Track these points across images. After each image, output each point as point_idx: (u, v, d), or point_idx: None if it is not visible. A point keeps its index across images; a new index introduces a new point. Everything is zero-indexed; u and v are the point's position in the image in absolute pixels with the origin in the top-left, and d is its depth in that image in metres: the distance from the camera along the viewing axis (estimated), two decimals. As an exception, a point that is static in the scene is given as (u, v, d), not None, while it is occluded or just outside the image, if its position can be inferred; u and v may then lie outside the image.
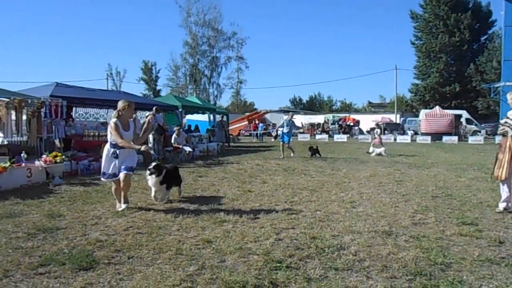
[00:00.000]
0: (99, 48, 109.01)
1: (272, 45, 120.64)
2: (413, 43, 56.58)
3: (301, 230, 5.13)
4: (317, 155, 16.38)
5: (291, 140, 16.54)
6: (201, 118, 26.64)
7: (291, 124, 16.12)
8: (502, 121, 6.36)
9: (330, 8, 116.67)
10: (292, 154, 16.32)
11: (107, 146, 6.29)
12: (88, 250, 4.30)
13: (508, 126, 6.11)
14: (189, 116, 26.40)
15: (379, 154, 16.88)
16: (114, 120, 6.15)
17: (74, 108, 15.37)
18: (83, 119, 16.78)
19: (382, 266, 3.89)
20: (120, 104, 6.30)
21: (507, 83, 40.31)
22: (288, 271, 3.70)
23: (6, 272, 3.70)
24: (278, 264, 3.87)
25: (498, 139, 28.44)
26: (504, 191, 6.30)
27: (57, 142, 11.73)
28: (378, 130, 22.14)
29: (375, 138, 19.76)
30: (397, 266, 3.88)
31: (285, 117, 17.76)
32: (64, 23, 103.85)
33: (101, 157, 11.22)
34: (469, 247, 4.48)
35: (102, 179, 6.47)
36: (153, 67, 71.45)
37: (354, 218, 5.79)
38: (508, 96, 6.30)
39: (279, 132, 16.78)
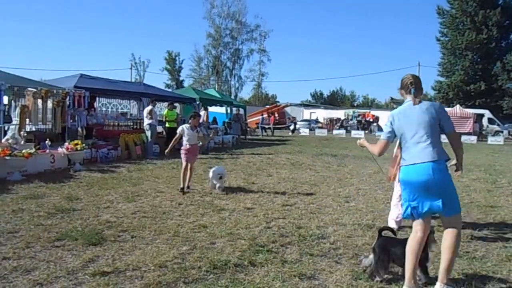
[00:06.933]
0: (123, 38, 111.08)
1: (295, 37, 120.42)
2: (438, 40, 55.58)
3: (290, 220, 5.64)
4: None
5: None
6: (220, 110, 27.23)
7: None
8: None
9: (355, 2, 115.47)
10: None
11: None
12: (98, 229, 4.92)
13: None
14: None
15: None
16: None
17: (97, 98, 16.18)
18: (105, 109, 17.59)
19: (353, 254, 4.36)
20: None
21: (533, 83, 39.44)
22: (267, 254, 4.21)
23: (28, 244, 4.34)
24: (261, 248, 4.39)
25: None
26: None
27: (79, 130, 12.52)
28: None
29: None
30: (367, 255, 4.32)
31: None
32: (91, 15, 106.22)
33: (119, 145, 11.98)
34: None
35: None
36: (177, 58, 72.40)
37: (344, 212, 6.25)
38: None
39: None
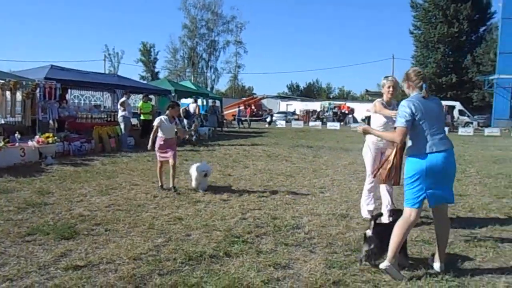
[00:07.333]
0: (96, 29, 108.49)
1: (271, 29, 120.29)
2: (411, 33, 56.57)
3: (265, 211, 5.68)
4: None
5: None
6: (196, 102, 26.96)
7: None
8: None
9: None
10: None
11: None
12: (71, 223, 4.84)
13: None
14: (183, 100, 26.75)
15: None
16: None
17: (69, 90, 15.75)
18: (78, 101, 17.20)
19: (327, 243, 4.43)
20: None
21: (501, 76, 40.73)
22: (243, 245, 4.24)
23: (-3, 239, 4.23)
24: (236, 239, 4.42)
25: (487, 131, 28.99)
26: None
27: (51, 123, 12.20)
28: None
29: None
30: (341, 243, 4.42)
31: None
32: (62, 4, 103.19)
33: (92, 138, 11.71)
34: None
35: None
36: (152, 49, 71.27)
37: (318, 202, 6.33)
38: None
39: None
